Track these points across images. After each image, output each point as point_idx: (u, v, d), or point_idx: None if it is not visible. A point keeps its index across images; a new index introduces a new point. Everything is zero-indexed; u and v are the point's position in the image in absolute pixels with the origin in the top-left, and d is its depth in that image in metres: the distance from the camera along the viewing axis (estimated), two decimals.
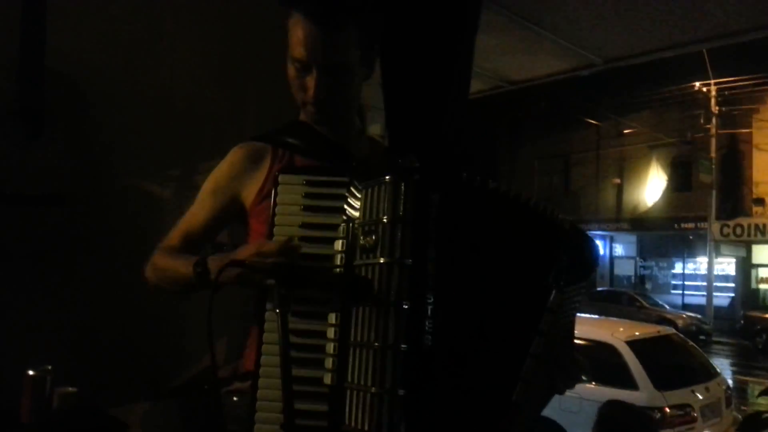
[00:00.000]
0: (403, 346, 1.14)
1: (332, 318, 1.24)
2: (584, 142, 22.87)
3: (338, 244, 1.25)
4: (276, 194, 1.31)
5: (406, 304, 1.15)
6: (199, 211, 1.52)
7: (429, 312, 1.16)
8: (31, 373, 2.06)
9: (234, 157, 1.51)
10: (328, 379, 1.22)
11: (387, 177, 1.19)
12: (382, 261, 1.16)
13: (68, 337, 2.27)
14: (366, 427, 1.15)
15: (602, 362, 5.89)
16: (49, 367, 2.07)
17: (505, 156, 25.24)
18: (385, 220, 1.17)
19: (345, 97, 1.46)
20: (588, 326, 6.72)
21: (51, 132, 2.30)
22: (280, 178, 1.32)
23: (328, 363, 1.23)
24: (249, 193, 1.47)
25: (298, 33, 1.38)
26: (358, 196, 1.24)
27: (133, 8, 2.58)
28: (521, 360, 1.26)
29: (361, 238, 1.21)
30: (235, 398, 1.48)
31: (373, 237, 1.19)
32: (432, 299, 1.17)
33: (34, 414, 2.08)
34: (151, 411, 2.54)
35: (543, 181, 24.62)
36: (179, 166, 2.68)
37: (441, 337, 1.17)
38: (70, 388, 2.17)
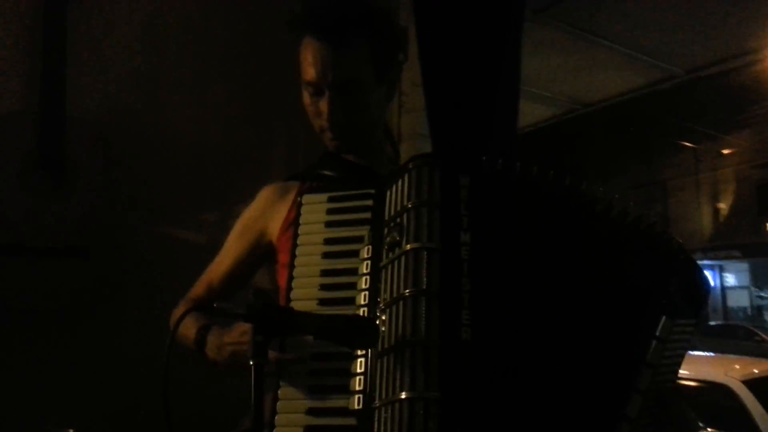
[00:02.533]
0: (436, 340, 0.97)
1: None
2: (681, 167, 21.71)
3: (364, 252, 1.14)
4: (299, 215, 1.22)
5: (436, 293, 0.99)
6: (224, 257, 1.46)
7: (466, 302, 1.00)
8: None
9: (261, 195, 1.46)
10: (354, 402, 1.04)
11: (410, 164, 1.11)
12: (408, 248, 1.03)
13: (92, 400, 2.15)
14: None
15: (716, 405, 5.25)
16: (71, 431, 1.95)
17: (597, 187, 24.29)
18: (409, 206, 1.06)
19: (363, 118, 1.38)
20: (698, 364, 6.06)
21: (74, 182, 2.25)
22: (304, 198, 1.24)
23: (354, 384, 1.05)
24: (275, 226, 1.40)
25: (307, 55, 1.34)
26: (385, 202, 1.14)
27: (159, 51, 2.54)
28: (621, 391, 1.09)
29: (387, 237, 1.08)
30: None
31: (396, 233, 1.07)
32: (469, 288, 1.01)
33: None
34: None
35: (640, 210, 23.44)
36: (214, 210, 2.57)
37: (483, 331, 1.00)
38: None
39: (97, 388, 2.18)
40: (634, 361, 1.11)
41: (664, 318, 1.13)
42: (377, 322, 1.06)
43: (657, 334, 1.13)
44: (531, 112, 6.24)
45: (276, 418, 1.08)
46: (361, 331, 1.05)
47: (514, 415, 1.00)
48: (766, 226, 19.91)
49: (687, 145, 20.54)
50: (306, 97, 1.38)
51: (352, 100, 1.34)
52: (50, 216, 2.24)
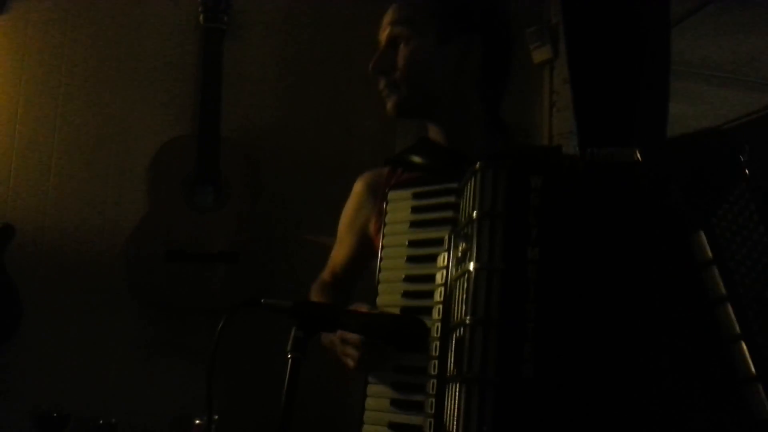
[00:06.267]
0: (493, 377, 0.87)
1: (433, 348, 1.02)
2: None
3: (441, 259, 1.07)
4: (385, 214, 1.20)
5: (495, 323, 0.88)
6: (339, 249, 1.51)
7: (530, 332, 0.88)
8: (197, 421, 2.19)
9: (355, 189, 1.48)
10: (427, 427, 1.01)
11: (476, 165, 0.97)
12: (470, 267, 0.92)
13: (235, 390, 2.38)
14: None
15: None
16: (216, 417, 2.16)
17: None
18: (474, 217, 0.95)
19: (413, 69, 1.31)
20: None
21: (227, 196, 2.55)
22: (389, 195, 1.21)
23: (428, 406, 1.02)
24: (372, 223, 1.41)
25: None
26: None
27: (318, 75, 2.81)
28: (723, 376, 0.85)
29: (459, 246, 1.00)
30: None
31: (464, 243, 0.97)
32: (534, 315, 0.88)
33: None
34: None
35: None
36: None
37: (548, 366, 0.87)
38: None
39: (241, 383, 2.43)
40: (715, 341, 0.85)
41: (700, 234, 0.87)
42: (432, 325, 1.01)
43: (698, 261, 0.87)
44: (741, 101, 5.53)
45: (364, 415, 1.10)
46: (408, 331, 1.02)
47: None
48: None
49: None
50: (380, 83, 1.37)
51: (403, 51, 1.30)
52: (208, 227, 2.55)
